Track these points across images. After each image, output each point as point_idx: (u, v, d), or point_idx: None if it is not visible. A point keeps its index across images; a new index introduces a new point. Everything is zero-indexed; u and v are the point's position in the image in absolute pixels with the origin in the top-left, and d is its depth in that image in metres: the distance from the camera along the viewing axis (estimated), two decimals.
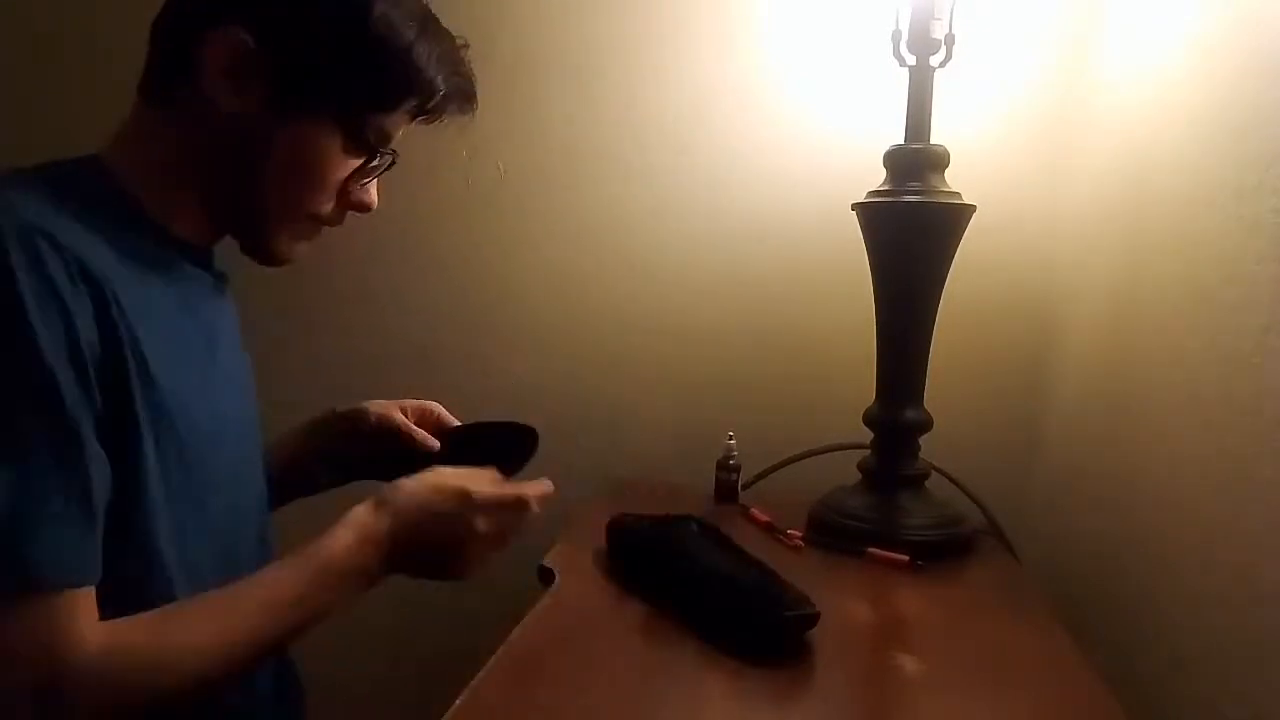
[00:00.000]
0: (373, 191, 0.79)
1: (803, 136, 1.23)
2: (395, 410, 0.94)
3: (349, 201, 0.77)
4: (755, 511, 1.08)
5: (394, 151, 0.78)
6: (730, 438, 1.15)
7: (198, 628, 0.63)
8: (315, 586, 0.69)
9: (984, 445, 1.22)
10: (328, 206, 0.76)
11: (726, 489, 1.15)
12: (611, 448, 1.32)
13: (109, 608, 0.60)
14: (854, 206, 1.03)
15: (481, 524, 0.76)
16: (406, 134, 0.79)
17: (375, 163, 0.76)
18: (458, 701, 0.64)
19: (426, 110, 0.76)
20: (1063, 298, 1.19)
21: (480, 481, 0.78)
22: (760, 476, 1.20)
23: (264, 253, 0.77)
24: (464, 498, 0.75)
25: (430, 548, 0.76)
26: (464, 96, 0.79)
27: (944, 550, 0.99)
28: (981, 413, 1.23)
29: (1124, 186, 1.05)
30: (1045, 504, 1.20)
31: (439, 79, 0.75)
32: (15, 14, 1.38)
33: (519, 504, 0.79)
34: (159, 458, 0.65)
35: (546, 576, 0.88)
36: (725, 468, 1.15)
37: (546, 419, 1.34)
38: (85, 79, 1.37)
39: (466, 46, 0.80)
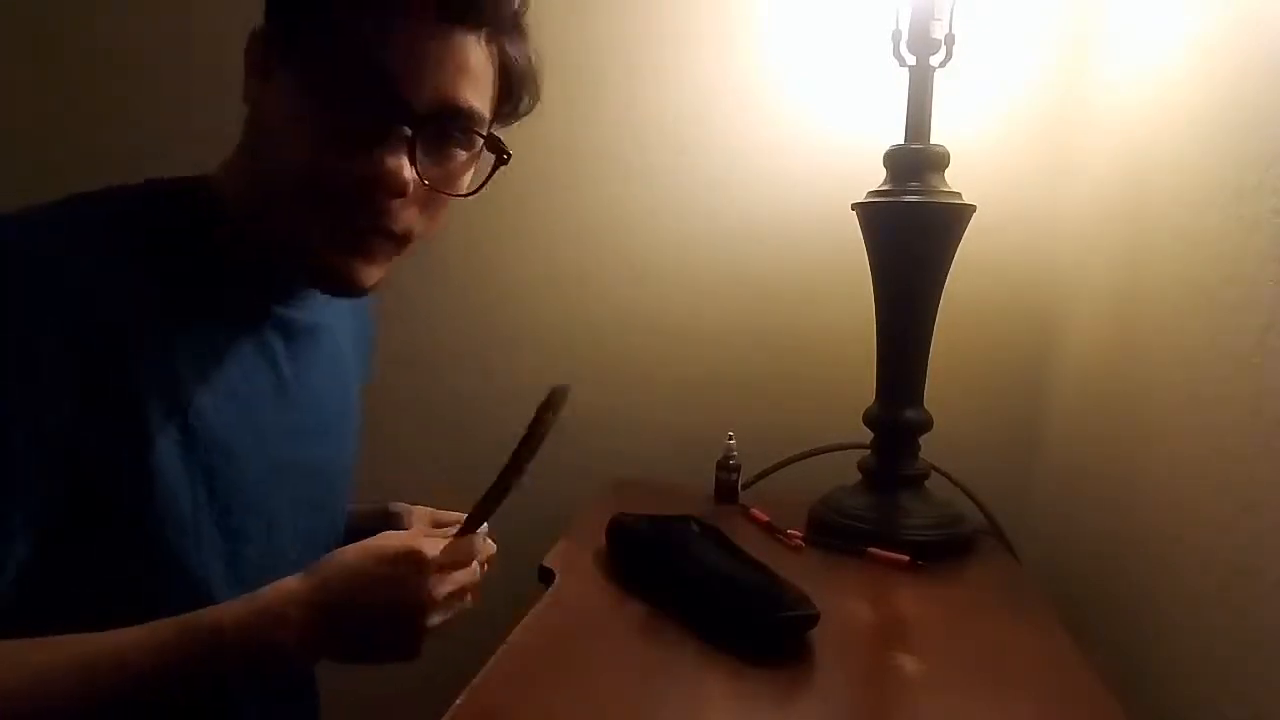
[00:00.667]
0: (387, 159, 0.60)
1: (803, 136, 1.23)
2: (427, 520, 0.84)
3: (364, 173, 0.61)
4: (755, 511, 1.08)
5: (445, 120, 0.62)
6: (730, 438, 1.15)
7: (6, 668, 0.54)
8: (182, 655, 0.57)
9: (984, 445, 1.22)
10: (335, 181, 0.61)
11: (726, 489, 1.15)
12: (611, 448, 1.32)
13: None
14: (854, 206, 1.03)
15: (438, 588, 0.63)
16: None
17: (379, 110, 0.60)
18: (458, 701, 0.63)
19: (384, 10, 0.59)
20: (1063, 298, 1.19)
21: (430, 541, 0.64)
22: (760, 476, 1.20)
23: (315, 268, 0.65)
24: (415, 559, 0.62)
25: (375, 622, 0.63)
26: None
27: (944, 550, 0.99)
28: (981, 413, 1.23)
29: (1124, 186, 1.05)
30: (1045, 504, 1.20)
31: None
32: (16, 14, 1.38)
33: (470, 559, 0.67)
34: (194, 509, 0.62)
35: (546, 576, 0.88)
36: (725, 468, 1.15)
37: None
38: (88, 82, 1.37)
39: None
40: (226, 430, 0.64)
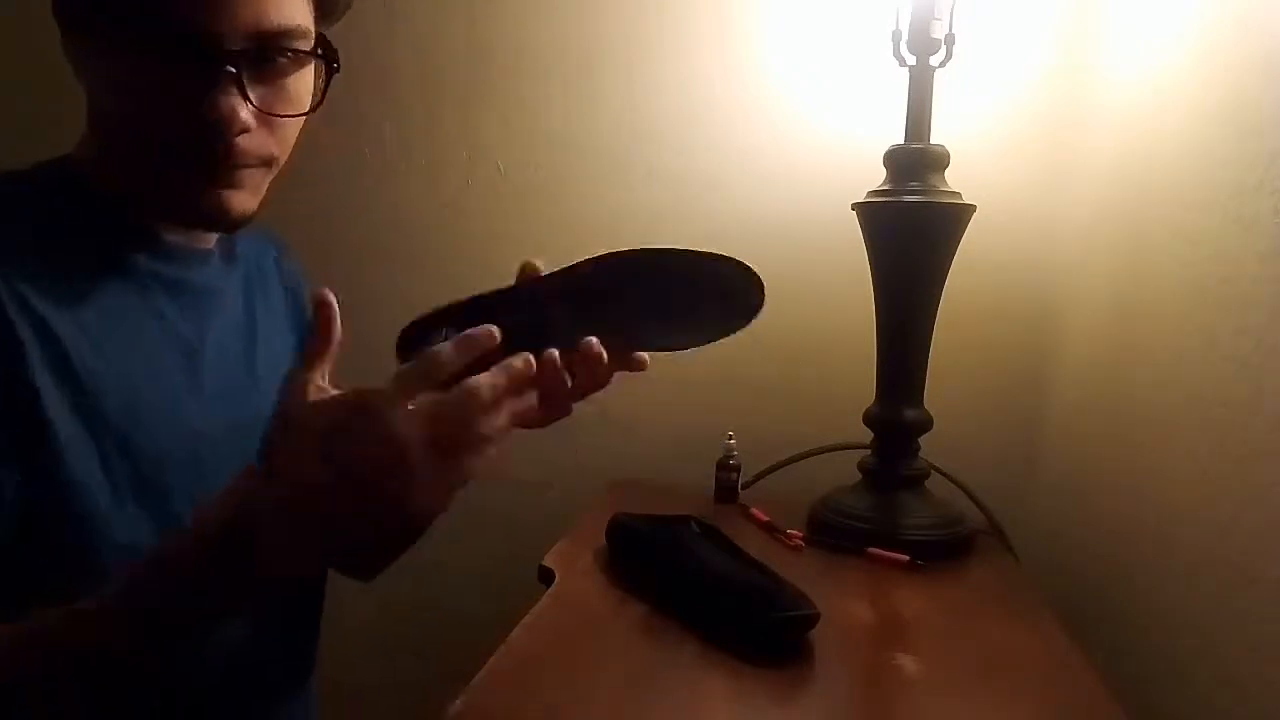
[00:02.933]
0: (220, 100, 0.59)
1: (803, 136, 1.23)
2: None
3: (194, 116, 0.59)
4: (755, 511, 1.08)
5: (222, 51, 0.59)
6: (730, 438, 1.15)
7: None
8: (146, 593, 0.53)
9: (984, 445, 1.22)
10: (170, 128, 0.60)
11: (726, 489, 1.15)
12: (611, 448, 1.32)
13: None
14: (854, 206, 1.03)
15: (413, 425, 0.51)
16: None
17: (186, 57, 0.59)
18: (458, 701, 0.64)
19: None
20: (1063, 297, 1.19)
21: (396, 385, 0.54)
22: (760, 476, 1.20)
23: (183, 209, 0.65)
24: (377, 394, 0.53)
25: (348, 482, 0.51)
26: None
27: (944, 550, 0.99)
28: (981, 413, 1.23)
29: (1124, 186, 1.05)
30: (1045, 504, 1.20)
31: None
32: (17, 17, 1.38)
33: (464, 396, 0.53)
34: (106, 473, 0.61)
35: (546, 576, 0.88)
36: (725, 468, 1.15)
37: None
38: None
39: None
40: (124, 388, 0.63)
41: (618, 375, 0.67)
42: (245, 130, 0.61)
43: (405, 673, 1.38)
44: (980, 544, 1.05)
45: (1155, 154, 0.96)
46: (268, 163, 0.65)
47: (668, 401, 1.30)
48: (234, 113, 0.60)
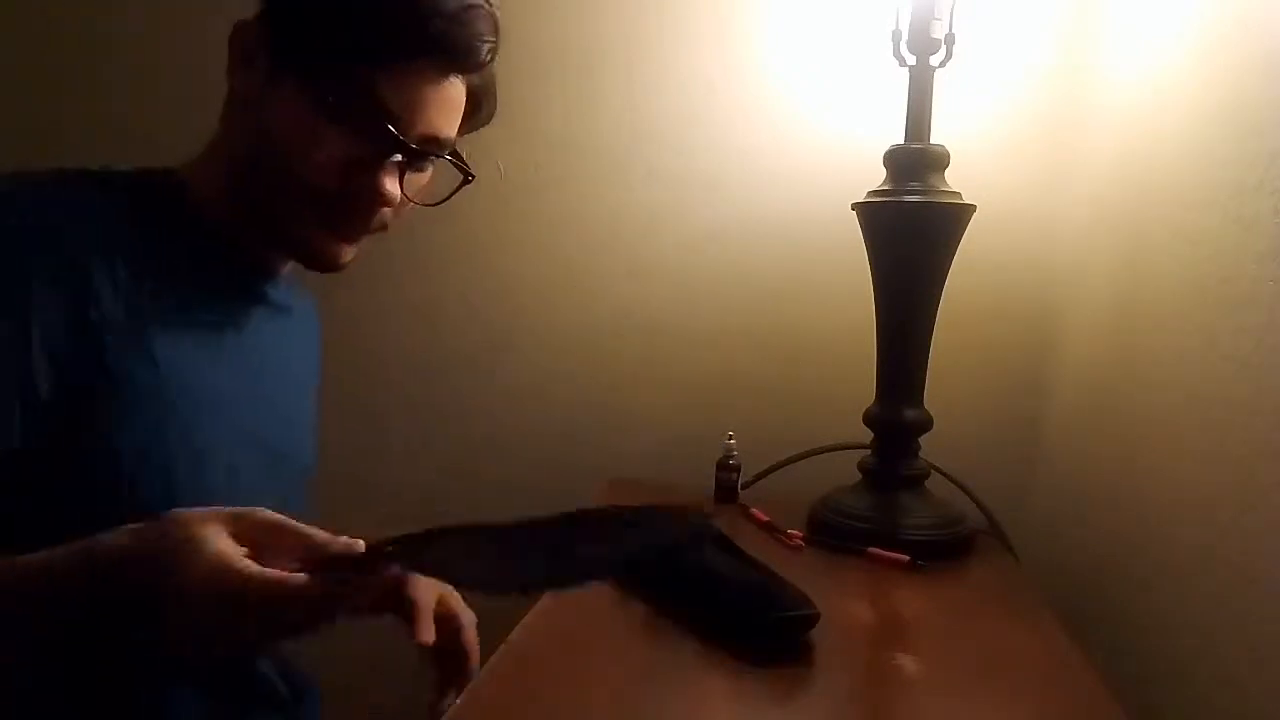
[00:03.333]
0: (381, 180, 0.70)
1: (803, 136, 1.23)
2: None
3: (357, 186, 0.70)
4: (755, 511, 1.08)
5: (426, 149, 0.71)
6: (730, 438, 1.15)
7: None
8: (67, 573, 0.56)
9: (984, 445, 1.22)
10: (328, 185, 0.69)
11: (726, 489, 1.15)
12: (611, 448, 1.32)
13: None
14: (854, 206, 1.03)
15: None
16: None
17: (380, 142, 0.69)
18: (458, 701, 0.64)
19: (391, 58, 0.67)
20: (1063, 297, 1.19)
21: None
22: (760, 476, 1.20)
23: (296, 248, 0.75)
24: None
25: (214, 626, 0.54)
26: (431, 42, 0.67)
27: (944, 550, 0.99)
28: (981, 413, 1.23)
29: (1124, 186, 1.05)
30: (1045, 504, 1.20)
31: (400, 18, 0.67)
32: (15, 13, 1.38)
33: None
34: (158, 421, 0.67)
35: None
36: (725, 468, 1.15)
37: (546, 419, 1.35)
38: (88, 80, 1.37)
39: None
40: (188, 369, 0.69)
41: None
42: (392, 206, 0.72)
43: (405, 672, 1.38)
44: (980, 544, 1.05)
45: (1155, 154, 0.96)
46: (382, 229, 0.76)
47: (668, 401, 1.30)
48: (393, 193, 0.71)
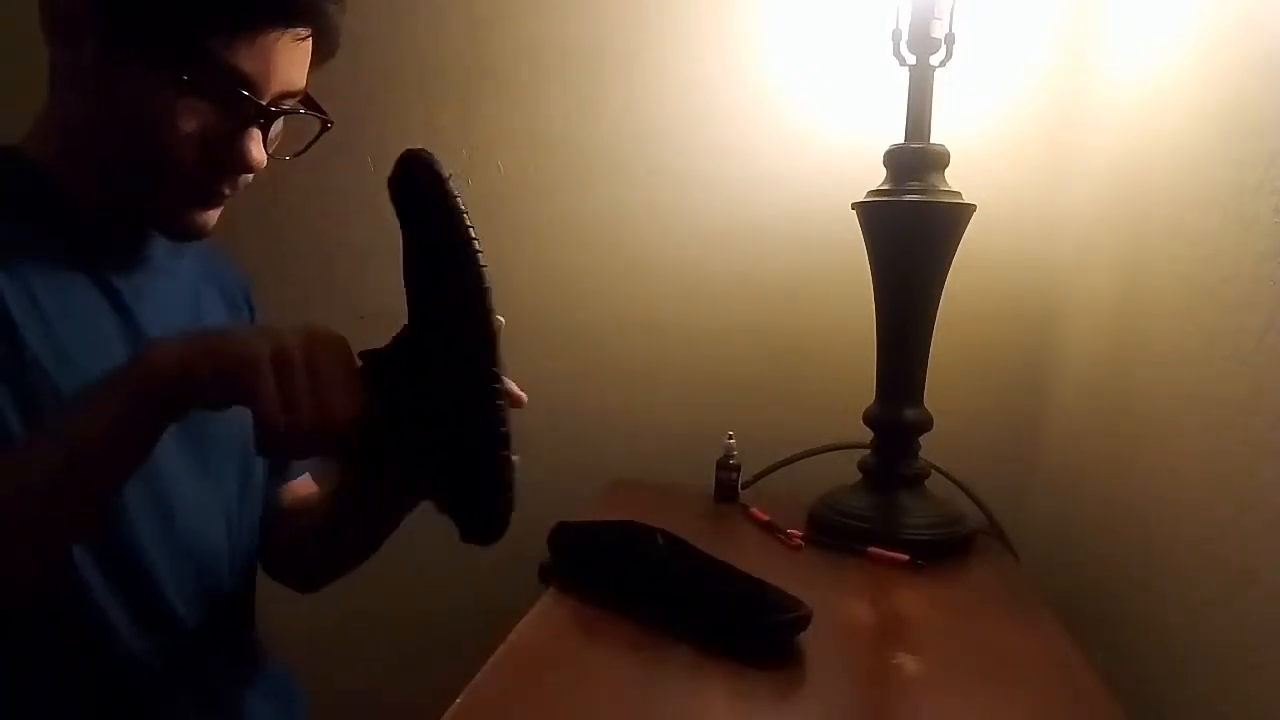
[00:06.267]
0: (248, 148, 0.68)
1: (803, 136, 1.23)
2: None
3: (220, 158, 0.67)
4: (755, 511, 1.08)
5: (285, 106, 0.69)
6: (730, 438, 1.15)
7: None
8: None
9: (984, 445, 1.22)
10: (188, 161, 0.66)
11: (726, 489, 1.15)
12: (611, 448, 1.32)
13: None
14: (854, 206, 1.03)
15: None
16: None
17: (238, 109, 0.66)
18: (457, 701, 0.64)
19: (237, 25, 0.64)
20: (1063, 297, 1.19)
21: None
22: (760, 476, 1.20)
23: (156, 221, 0.71)
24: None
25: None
26: (291, 4, 0.66)
27: (944, 550, 0.99)
28: (981, 413, 1.23)
29: (1124, 186, 1.05)
30: (1045, 504, 1.20)
31: None
32: None
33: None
34: (25, 415, 0.62)
35: (546, 576, 0.88)
36: (725, 467, 1.15)
37: (546, 419, 1.35)
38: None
39: None
40: (63, 338, 0.65)
41: None
42: (257, 170, 0.69)
43: (405, 672, 1.38)
44: (980, 544, 1.05)
45: (1155, 154, 0.96)
46: (241, 189, 0.73)
47: (668, 401, 1.30)
48: (259, 159, 0.69)
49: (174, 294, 0.77)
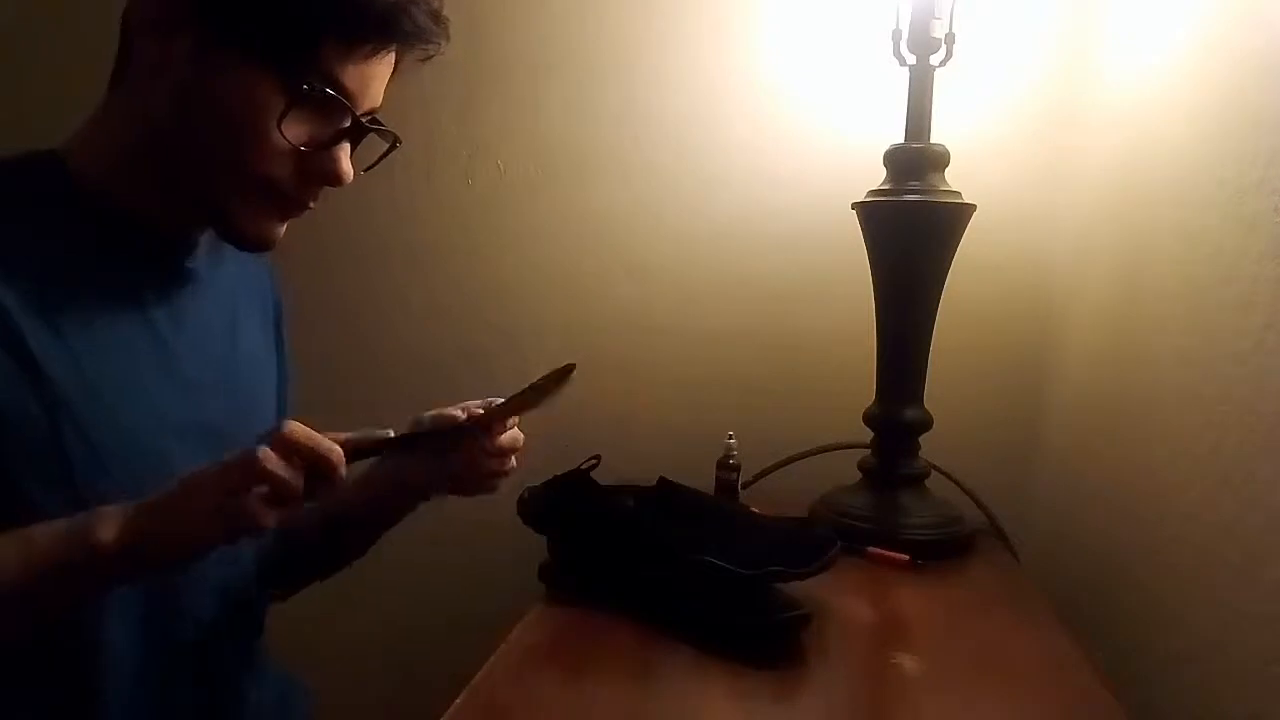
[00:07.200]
0: (341, 161, 0.68)
1: (803, 136, 1.23)
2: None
3: (311, 168, 0.67)
4: (755, 511, 1.08)
5: (371, 123, 0.69)
6: (730, 438, 1.15)
7: None
8: (52, 547, 0.58)
9: (984, 445, 1.22)
10: (280, 170, 0.66)
11: (726, 489, 1.15)
12: (611, 448, 1.31)
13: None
14: (854, 206, 1.03)
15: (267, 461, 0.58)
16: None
17: (337, 121, 0.67)
18: (457, 701, 0.64)
19: (356, 40, 0.65)
20: (1063, 297, 1.19)
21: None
22: (760, 476, 1.20)
23: (229, 229, 0.69)
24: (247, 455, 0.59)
25: (193, 490, 0.59)
26: (399, 22, 0.65)
27: (944, 550, 0.99)
28: (981, 413, 1.23)
29: (1124, 186, 1.05)
30: (1045, 504, 1.20)
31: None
32: None
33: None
34: (61, 459, 0.62)
35: (546, 576, 0.88)
36: (725, 467, 1.15)
37: (546, 418, 1.34)
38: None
39: None
40: (91, 375, 0.64)
41: None
42: (343, 184, 0.69)
43: (406, 672, 1.38)
44: (980, 544, 1.05)
45: (1155, 153, 0.96)
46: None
47: (668, 401, 1.30)
48: (349, 173, 0.69)
49: (212, 316, 0.76)
